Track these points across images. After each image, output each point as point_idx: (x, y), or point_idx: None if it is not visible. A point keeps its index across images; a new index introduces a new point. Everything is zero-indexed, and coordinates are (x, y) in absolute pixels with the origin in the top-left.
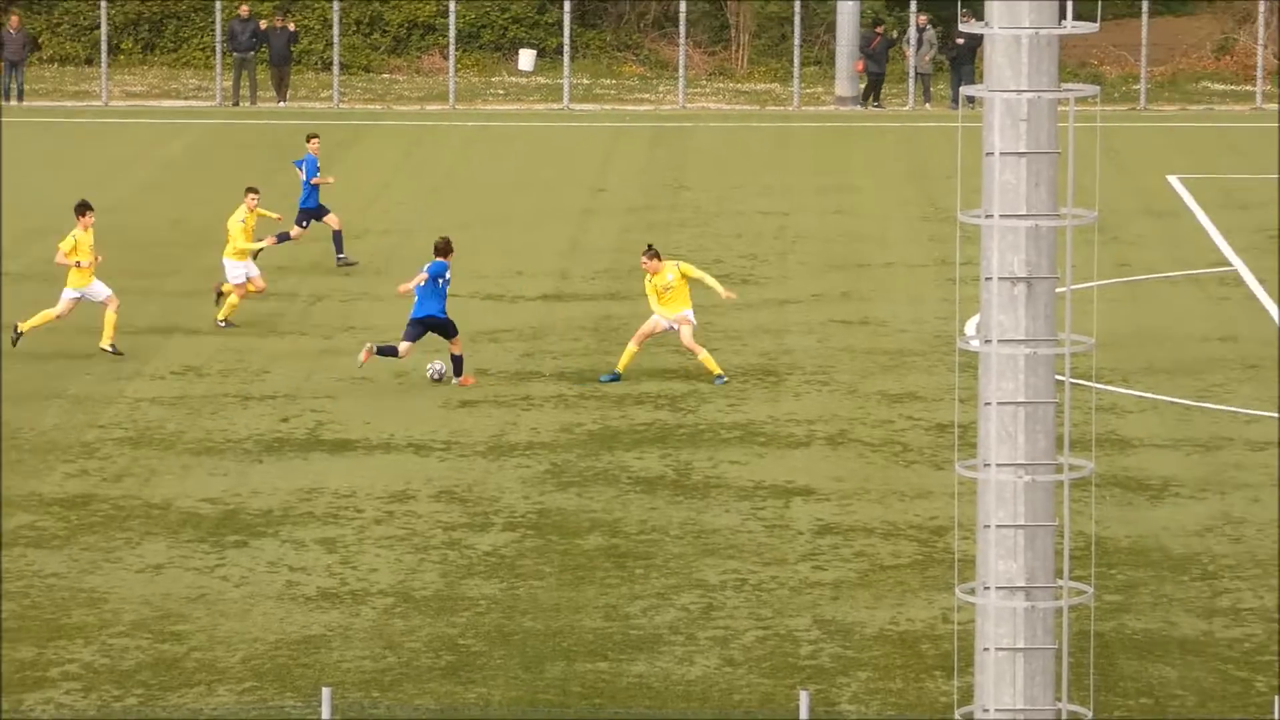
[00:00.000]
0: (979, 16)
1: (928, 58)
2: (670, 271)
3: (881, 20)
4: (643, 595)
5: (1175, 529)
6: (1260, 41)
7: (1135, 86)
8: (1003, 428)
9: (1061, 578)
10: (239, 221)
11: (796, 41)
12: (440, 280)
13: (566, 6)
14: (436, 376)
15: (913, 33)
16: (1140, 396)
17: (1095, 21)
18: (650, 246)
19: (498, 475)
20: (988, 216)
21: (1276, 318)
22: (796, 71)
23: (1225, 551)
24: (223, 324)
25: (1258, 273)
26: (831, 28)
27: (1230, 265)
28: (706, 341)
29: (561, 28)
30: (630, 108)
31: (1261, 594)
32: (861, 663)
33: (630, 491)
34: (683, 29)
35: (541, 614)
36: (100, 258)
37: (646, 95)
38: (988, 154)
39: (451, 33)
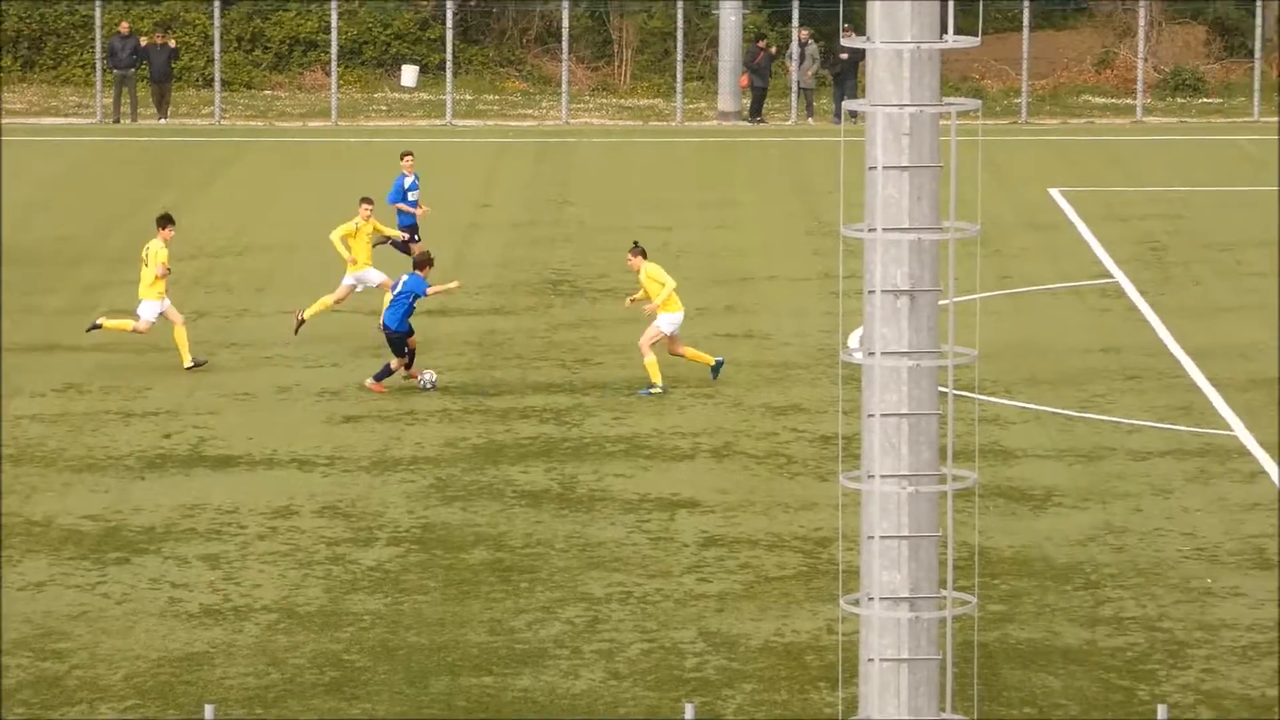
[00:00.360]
0: (861, 31)
1: (810, 72)
2: (644, 272)
3: (764, 35)
4: (528, 609)
5: (1058, 539)
6: (1140, 55)
7: (1016, 100)
8: (886, 439)
9: (945, 588)
10: (353, 228)
11: (679, 57)
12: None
13: (449, 22)
14: (429, 386)
15: (795, 47)
16: (1023, 407)
17: (976, 35)
18: (635, 243)
19: (382, 490)
20: (871, 230)
21: (1157, 329)
22: (680, 87)
23: (1108, 561)
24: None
25: (1139, 284)
26: (714, 43)
27: (1111, 277)
28: (590, 356)
29: (444, 44)
30: (514, 123)
31: (1144, 603)
32: (746, 675)
33: (515, 505)
34: (565, 44)
35: (426, 629)
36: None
37: (530, 111)
38: (870, 168)
39: (334, 49)
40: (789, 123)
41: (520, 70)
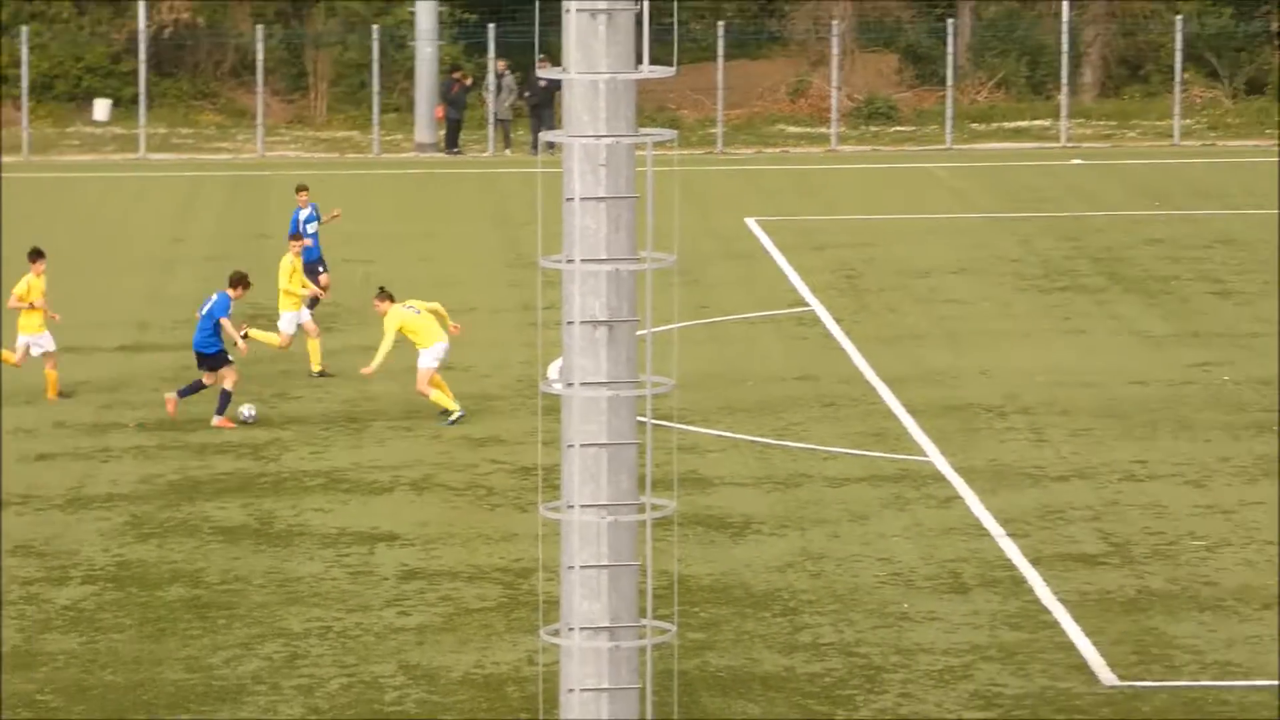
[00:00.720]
0: (557, 62)
1: (507, 104)
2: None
3: (459, 66)
4: (225, 645)
5: (756, 566)
6: (834, 84)
7: (712, 130)
8: (585, 469)
9: (645, 617)
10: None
11: (375, 89)
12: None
13: (142, 55)
14: (249, 419)
15: (492, 79)
16: (721, 436)
17: (672, 66)
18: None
19: (76, 528)
20: (569, 261)
21: (853, 356)
22: (376, 119)
23: (805, 587)
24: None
25: (834, 312)
26: (410, 74)
27: (807, 305)
28: (287, 390)
29: (137, 77)
30: (208, 156)
31: (841, 628)
32: (447, 707)
33: (212, 541)
34: (260, 77)
35: (122, 667)
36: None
37: (225, 144)
38: (568, 199)
39: (24, 83)
40: (486, 154)
41: (215, 103)
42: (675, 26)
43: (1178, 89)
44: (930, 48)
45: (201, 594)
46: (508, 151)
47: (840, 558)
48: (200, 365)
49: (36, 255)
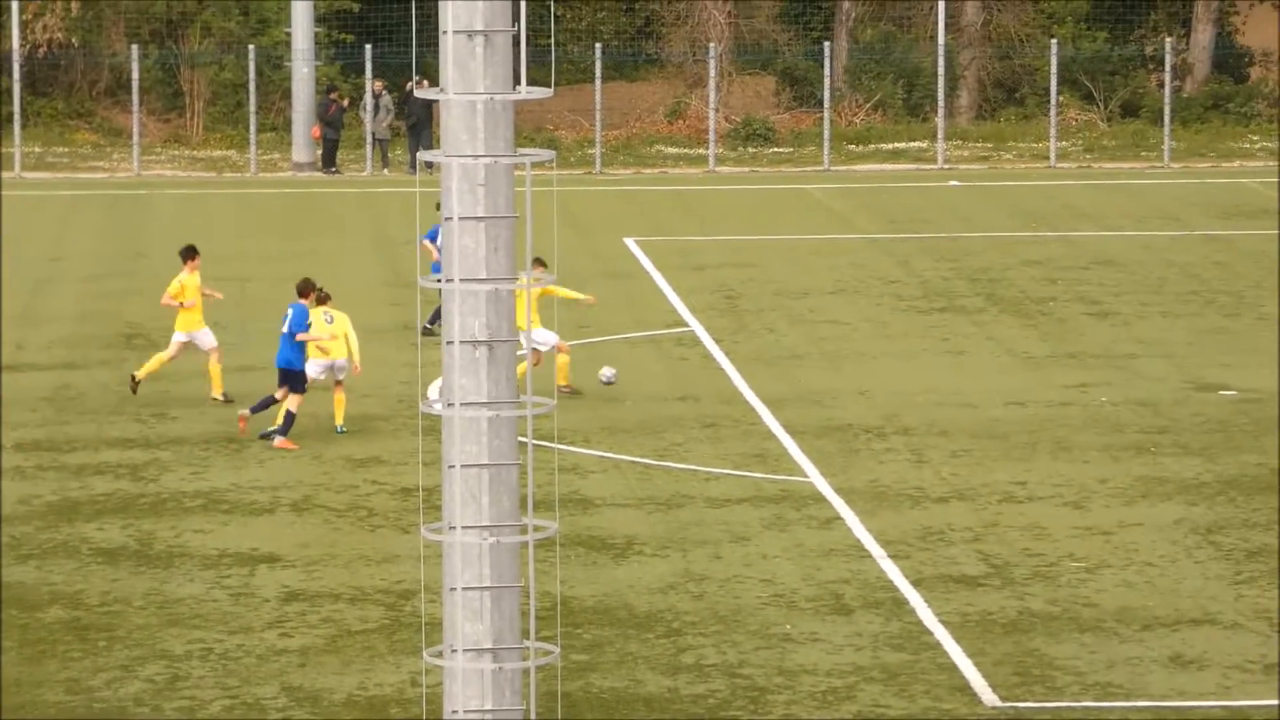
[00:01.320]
0: (435, 82)
1: (385, 123)
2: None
3: (336, 86)
4: (106, 668)
5: (639, 587)
6: (712, 105)
7: (591, 151)
8: (467, 490)
9: (528, 638)
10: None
11: (252, 108)
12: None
13: (16, 75)
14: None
15: (369, 98)
16: (602, 456)
17: (550, 87)
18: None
19: None
20: (448, 281)
21: (733, 377)
22: (253, 138)
23: (688, 608)
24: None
25: (714, 332)
26: (287, 94)
27: (687, 326)
28: (166, 410)
29: (11, 95)
30: (85, 175)
31: (724, 650)
32: None
33: (92, 563)
34: (136, 97)
35: (2, 690)
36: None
37: (101, 163)
38: (446, 219)
39: None
40: (364, 174)
41: (90, 122)
42: (554, 48)
43: (1053, 112)
44: (807, 70)
45: (81, 616)
46: (386, 171)
47: (723, 579)
48: (282, 382)
49: (190, 254)
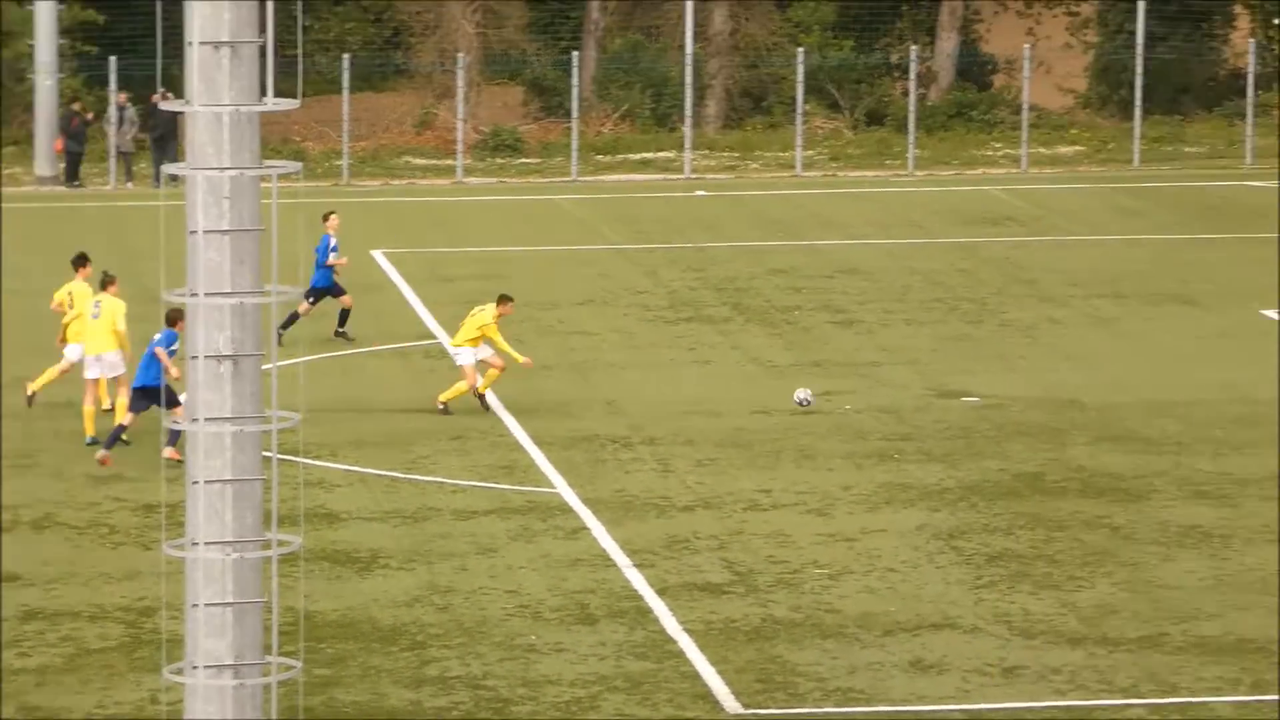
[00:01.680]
0: (180, 95)
1: (129, 136)
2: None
3: (79, 98)
4: None
5: (384, 600)
6: (460, 116)
7: (338, 162)
8: (210, 506)
9: (270, 654)
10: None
11: None
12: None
13: None
14: (805, 402)
15: (113, 111)
16: (348, 470)
17: (297, 98)
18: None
19: None
20: (193, 295)
21: None
22: None
23: (433, 621)
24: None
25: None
26: (30, 107)
27: (435, 338)
28: None
29: None
30: None
31: (468, 662)
32: None
33: None
34: None
35: None
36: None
37: None
38: (191, 232)
39: None
40: (108, 187)
41: None
42: (300, 59)
43: (799, 120)
44: (555, 80)
45: None
46: (130, 184)
47: (468, 591)
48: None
49: (81, 261)
